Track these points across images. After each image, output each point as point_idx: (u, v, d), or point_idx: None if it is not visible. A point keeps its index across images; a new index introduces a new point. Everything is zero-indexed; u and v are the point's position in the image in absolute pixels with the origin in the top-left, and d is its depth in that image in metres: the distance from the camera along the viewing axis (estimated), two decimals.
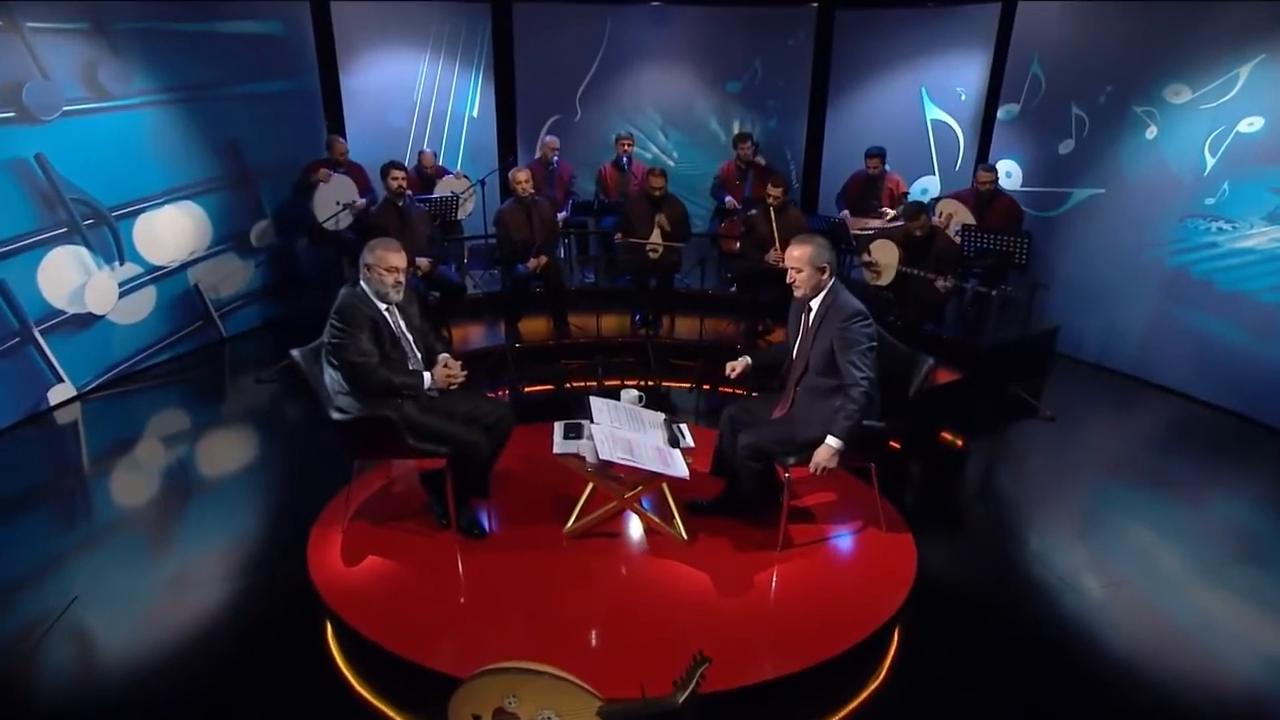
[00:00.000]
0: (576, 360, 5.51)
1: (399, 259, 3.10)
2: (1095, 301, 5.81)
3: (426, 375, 3.15)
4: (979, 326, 5.60)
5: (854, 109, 7.61)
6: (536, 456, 3.65)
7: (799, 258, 3.06)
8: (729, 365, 3.37)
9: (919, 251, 5.02)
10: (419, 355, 3.25)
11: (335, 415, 3.06)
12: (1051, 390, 5.41)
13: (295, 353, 3.13)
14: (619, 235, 5.69)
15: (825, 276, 3.07)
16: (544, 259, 5.36)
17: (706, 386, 5.26)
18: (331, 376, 3.08)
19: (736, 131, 7.45)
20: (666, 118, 7.91)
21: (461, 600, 2.90)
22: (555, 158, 6.53)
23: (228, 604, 3.04)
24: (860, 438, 3.03)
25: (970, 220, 5.64)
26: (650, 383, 5.18)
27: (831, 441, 2.99)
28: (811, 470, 3.02)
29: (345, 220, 5.82)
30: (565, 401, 4.99)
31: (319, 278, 6.40)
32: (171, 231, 5.60)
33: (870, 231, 5.89)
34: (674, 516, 3.30)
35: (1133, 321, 5.63)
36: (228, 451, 4.44)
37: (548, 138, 6.64)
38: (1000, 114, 6.43)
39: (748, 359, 3.39)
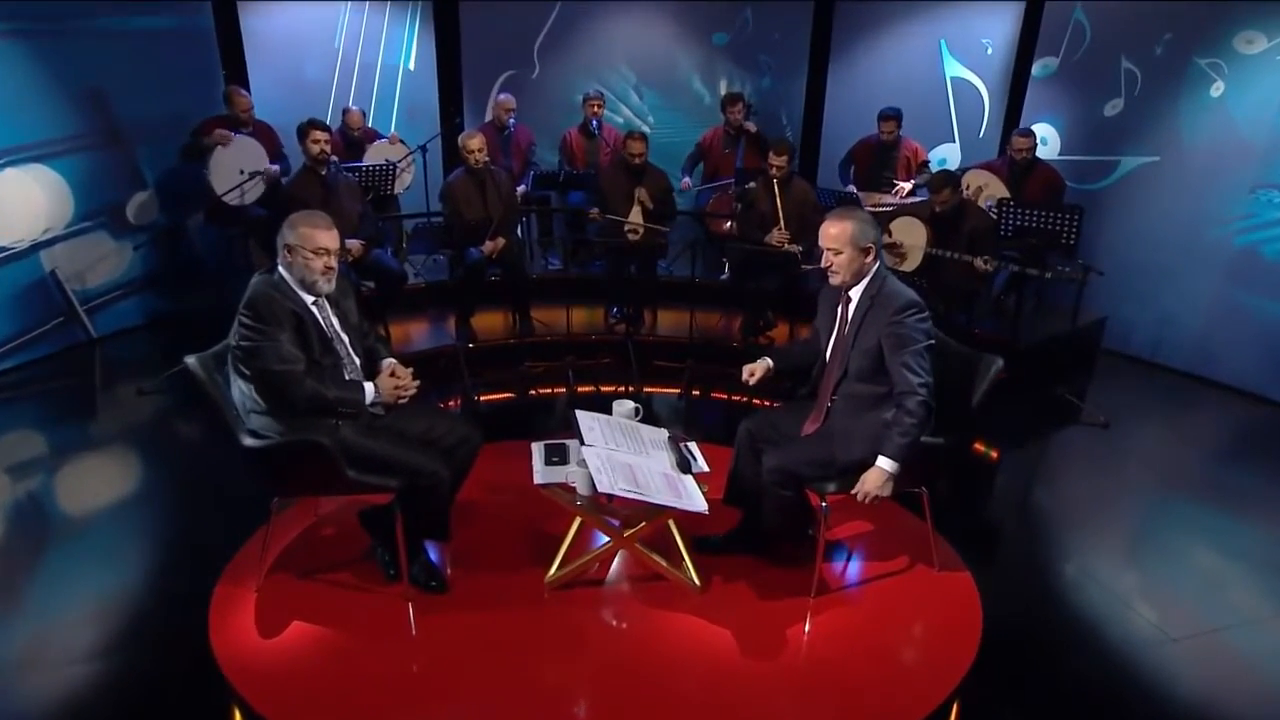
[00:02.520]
0: (542, 362, 5.38)
1: (329, 238, 2.83)
2: (1147, 288, 5.78)
3: (368, 387, 2.89)
4: (1016, 318, 5.45)
5: (861, 66, 7.50)
6: (505, 483, 3.52)
7: (837, 237, 2.90)
8: (746, 369, 3.20)
9: (948, 230, 4.91)
10: (357, 361, 2.98)
11: (248, 441, 2.75)
12: (1097, 391, 5.38)
13: (191, 360, 2.82)
14: (595, 211, 5.53)
15: (869, 259, 2.93)
16: (501, 241, 5.21)
17: (697, 392, 5.14)
18: (242, 390, 2.78)
19: (725, 92, 7.32)
20: (641, 75, 7.72)
21: (415, 670, 2.70)
22: (511, 121, 6.35)
23: (98, 689, 2.68)
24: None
25: (1004, 194, 5.53)
26: (631, 388, 5.08)
27: (884, 464, 2.80)
28: (859, 499, 2.83)
29: (252, 193, 5.54)
30: (530, 411, 4.89)
31: (218, 264, 6.14)
32: (15, 202, 5.18)
33: (890, 208, 5.77)
34: (683, 558, 3.10)
35: (1191, 311, 5.60)
36: (99, 484, 4.04)
37: (501, 96, 6.45)
38: (1035, 69, 6.38)
39: (768, 361, 3.23)
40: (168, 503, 3.85)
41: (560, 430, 4.52)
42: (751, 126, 6.45)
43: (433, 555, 3.12)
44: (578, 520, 3.11)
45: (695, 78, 7.75)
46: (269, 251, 5.91)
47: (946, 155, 7.14)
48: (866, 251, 2.90)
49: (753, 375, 3.17)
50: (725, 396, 5.12)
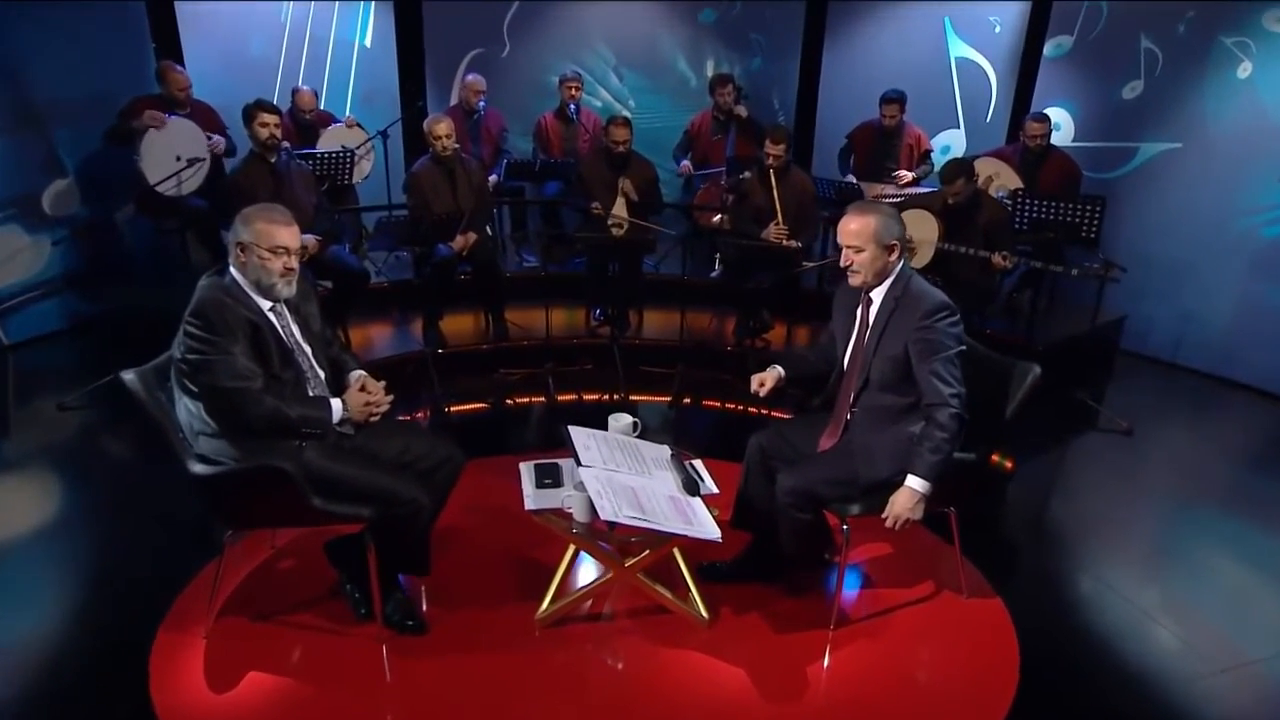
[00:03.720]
0: (518, 369, 5.33)
1: (289, 235, 2.70)
2: (1168, 284, 5.79)
3: (335, 404, 2.75)
4: (1031, 318, 5.48)
5: (859, 46, 7.48)
6: (485, 506, 3.46)
7: (858, 233, 2.83)
8: (755, 380, 3.11)
9: (961, 223, 4.88)
10: (321, 374, 2.85)
11: (196, 468, 2.61)
12: (1116, 395, 5.39)
13: (129, 377, 2.67)
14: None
15: (893, 257, 2.87)
16: (473, 236, 5.13)
17: (688, 400, 5.11)
18: (189, 410, 2.64)
19: (713, 73, 7.30)
20: (621, 56, 7.68)
21: None
22: (481, 104, 6.29)
23: None
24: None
25: (1016, 183, 5.53)
26: (617, 396, 5.04)
27: (914, 484, 2.74)
28: (887, 524, 2.76)
29: (191, 182, 5.37)
30: (506, 423, 4.84)
31: (152, 262, 5.99)
32: None
33: (898, 199, 5.73)
34: (689, 589, 3.02)
35: (1215, 308, 5.62)
36: (14, 514, 3.81)
37: (469, 77, 6.38)
38: (1047, 49, 6.38)
39: (779, 369, 3.13)
40: (97, 535, 3.64)
41: (542, 445, 4.54)
42: (743, 111, 6.41)
43: (409, 591, 3.01)
44: (571, 549, 3.02)
45: (680, 58, 7.72)
46: (209, 247, 5.96)
47: (950, 142, 7.15)
48: (891, 249, 2.84)
49: (763, 385, 3.09)
50: (719, 405, 5.09)
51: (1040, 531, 3.95)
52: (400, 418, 4.43)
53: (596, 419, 4.82)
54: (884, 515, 2.76)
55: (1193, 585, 3.53)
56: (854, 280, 2.90)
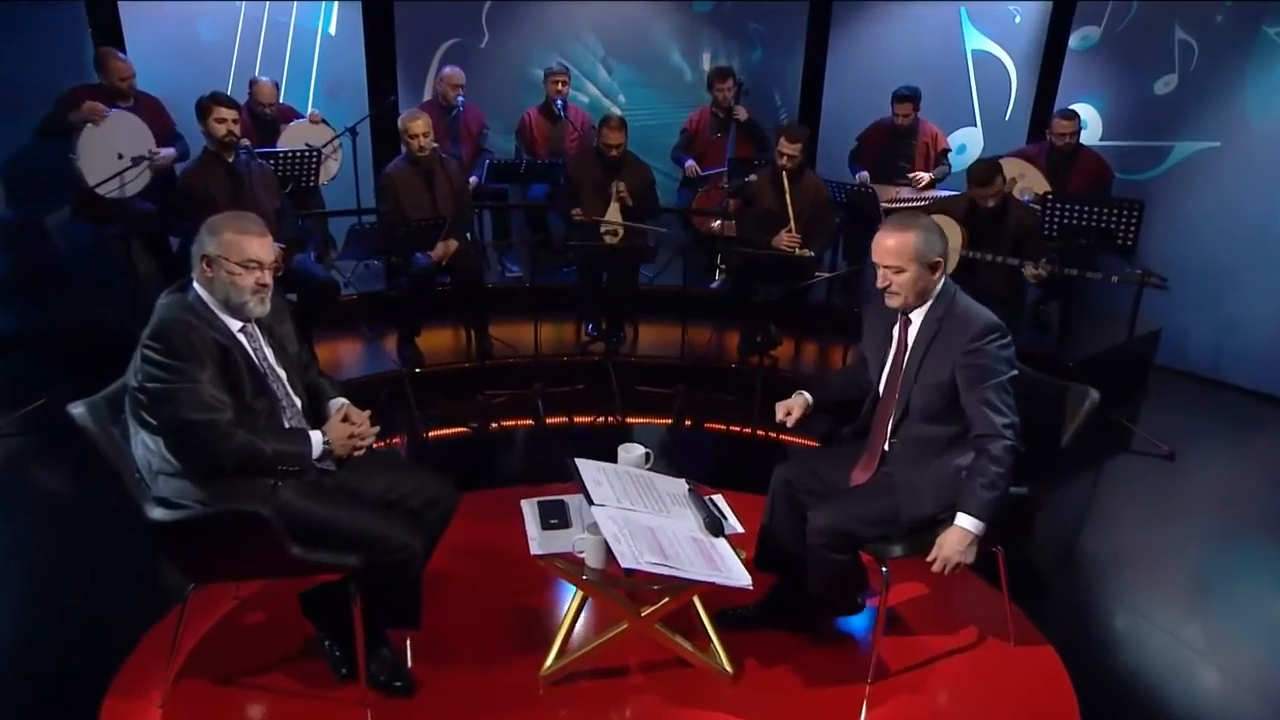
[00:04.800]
0: (503, 390, 5.26)
1: (262, 246, 2.61)
2: (1205, 294, 5.78)
3: (315, 437, 2.65)
4: (1062, 332, 5.45)
5: (867, 37, 7.47)
6: (478, 546, 3.40)
7: (898, 251, 2.77)
8: (781, 407, 3.07)
9: (988, 228, 4.87)
10: (298, 403, 2.76)
11: (156, 513, 2.49)
12: (1151, 414, 5.37)
13: (78, 410, 2.53)
14: (577, 212, 5.48)
15: (936, 276, 2.82)
16: (454, 244, 5.11)
17: (689, 423, 5.08)
18: (148, 446, 2.53)
19: (710, 66, 7.27)
20: (610, 47, 7.64)
21: None
22: (459, 99, 6.24)
23: None
24: None
25: (1042, 185, 5.52)
26: (612, 419, 5.05)
27: (966, 523, 2.66)
28: (936, 568, 2.69)
29: (135, 182, 5.24)
30: (490, 450, 4.82)
31: (90, 271, 5.85)
32: None
33: (908, 203, 5.74)
34: (710, 639, 2.95)
35: (1258, 319, 5.63)
36: None
37: (447, 70, 6.34)
38: (1073, 41, 6.40)
39: (806, 396, 3.10)
40: (32, 584, 3.50)
41: (531, 475, 4.50)
42: (742, 114, 6.40)
43: (397, 649, 2.91)
44: (579, 596, 2.91)
45: (674, 50, 7.69)
46: (155, 255, 5.83)
47: (966, 141, 7.15)
48: (934, 267, 2.79)
49: (790, 414, 3.04)
50: (723, 428, 5.05)
51: (1080, 567, 3.91)
52: (398, 455, 4.45)
53: (590, 443, 4.74)
54: (930, 558, 2.69)
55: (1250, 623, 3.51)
56: (893, 302, 2.84)
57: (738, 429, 4.97)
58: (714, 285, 6.21)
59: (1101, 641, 3.32)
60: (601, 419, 5.02)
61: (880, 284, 2.83)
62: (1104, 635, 3.38)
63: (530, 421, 4.99)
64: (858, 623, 3.18)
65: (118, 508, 2.59)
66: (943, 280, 2.84)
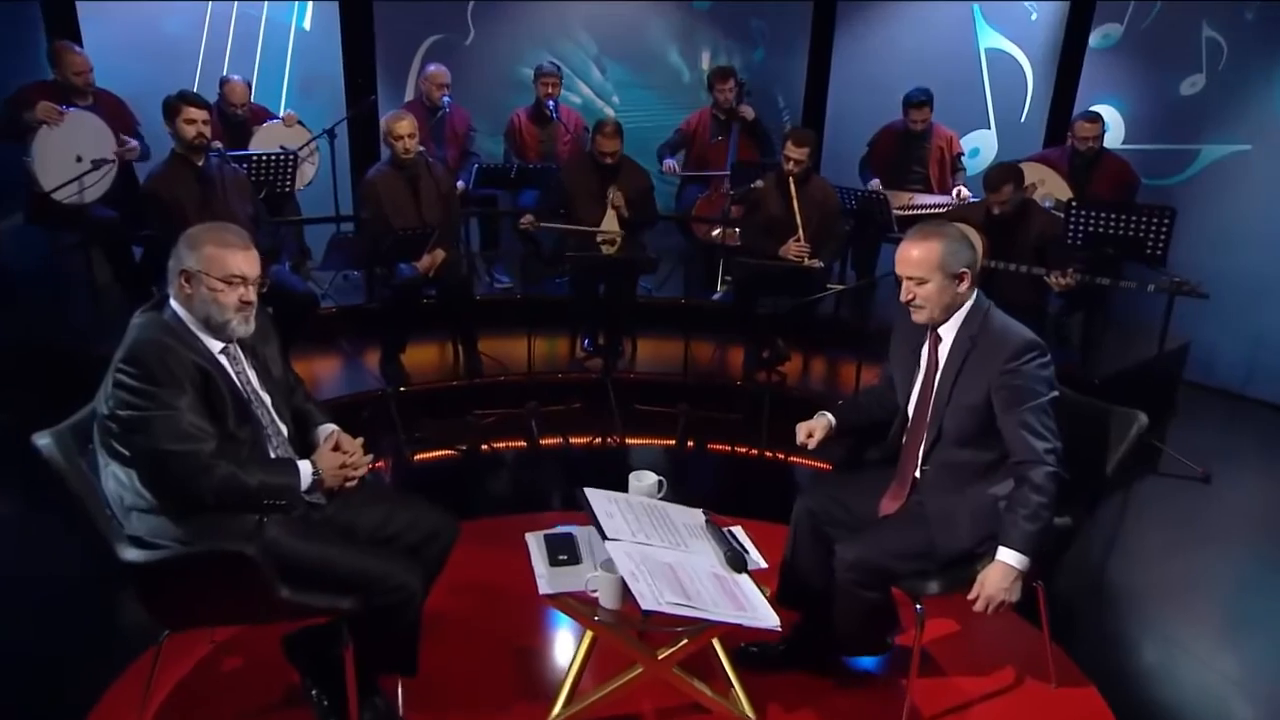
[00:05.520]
0: (494, 410, 5.22)
1: (246, 260, 2.55)
2: (1236, 305, 5.77)
3: (304, 467, 2.59)
4: (1086, 346, 5.45)
5: (874, 36, 7.50)
6: (475, 583, 3.36)
7: (921, 261, 2.76)
8: (803, 429, 3.06)
9: (1008, 236, 4.87)
10: (285, 431, 2.70)
11: (129, 554, 2.41)
12: (1181, 433, 5.34)
13: (44, 441, 2.46)
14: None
15: (964, 287, 2.81)
16: (441, 254, 5.10)
17: (691, 444, 5.06)
18: (120, 480, 2.46)
19: (708, 65, 7.32)
20: (604, 45, 7.67)
21: None
22: (445, 100, 6.22)
23: None
24: None
25: (1064, 191, 5.53)
26: (611, 440, 5.03)
27: (1009, 558, 2.61)
28: (978, 607, 2.64)
29: (96, 189, 5.21)
30: (480, 474, 4.80)
31: (45, 282, 5.83)
32: None
33: (932, 209, 5.75)
34: (730, 683, 2.89)
35: None
36: None
37: (431, 68, 6.33)
38: (1094, 39, 6.42)
39: (829, 417, 3.09)
40: None
41: (524, 501, 4.48)
42: (749, 112, 6.41)
43: (390, 696, 2.83)
44: (588, 637, 2.83)
45: (671, 49, 7.71)
46: (117, 265, 5.78)
47: (980, 144, 7.17)
48: (960, 278, 2.77)
49: (811, 436, 3.03)
50: (727, 449, 5.02)
51: (1116, 598, 3.88)
52: (391, 486, 4.42)
53: (587, 466, 4.78)
54: (971, 595, 2.63)
55: None
56: (918, 317, 2.82)
57: (744, 450, 4.93)
58: (716, 297, 6.19)
59: (1143, 679, 3.29)
60: (599, 440, 5.00)
61: (904, 297, 2.81)
62: (1145, 672, 3.35)
63: (523, 443, 4.96)
64: (887, 663, 3.12)
65: (84, 543, 2.51)
66: (974, 294, 2.82)
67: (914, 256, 2.76)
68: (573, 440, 5.01)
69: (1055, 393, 2.72)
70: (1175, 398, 5.74)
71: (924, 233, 2.81)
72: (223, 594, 2.47)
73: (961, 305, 2.81)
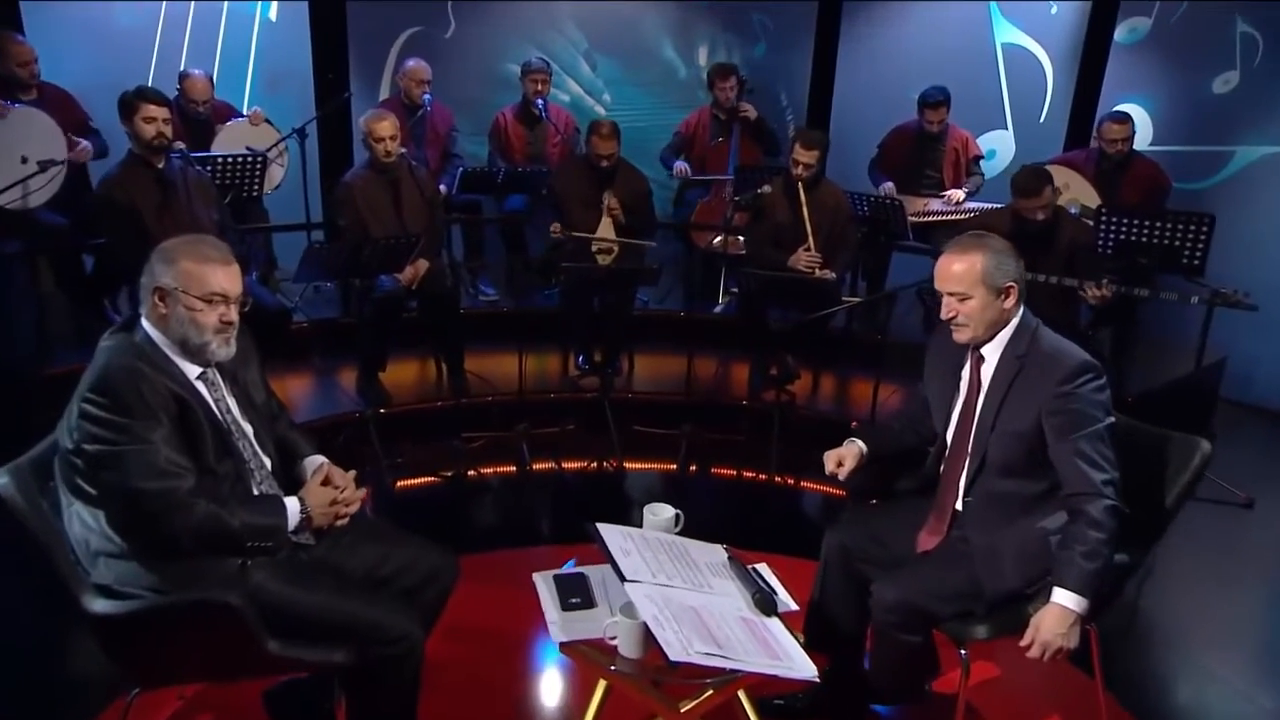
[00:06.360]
0: (482, 433, 5.24)
1: (227, 277, 2.50)
2: (1274, 317, 5.67)
3: (291, 505, 2.54)
4: (1118, 362, 5.41)
5: (883, 30, 7.51)
6: (471, 627, 3.31)
7: (963, 276, 2.75)
8: (832, 458, 3.03)
9: (1037, 245, 4.80)
10: (268, 464, 2.66)
11: (97, 605, 2.34)
12: (1220, 455, 5.18)
13: (1, 480, 2.39)
14: (556, 227, 5.46)
15: (1009, 303, 2.78)
16: (424, 265, 5.09)
17: (695, 469, 5.08)
18: (85, 522, 2.39)
19: (706, 61, 7.34)
20: (594, 39, 7.65)
21: None
22: (426, 97, 6.20)
23: None
24: None
25: (1090, 196, 5.52)
26: (609, 464, 5.05)
27: (1066, 600, 2.56)
28: (1032, 654, 2.59)
29: (43, 192, 5.13)
30: (465, 502, 4.82)
31: None
32: None
33: (952, 215, 5.77)
34: None
35: None
36: None
37: (411, 64, 6.30)
38: (1119, 34, 6.44)
39: (860, 444, 3.05)
40: None
41: (517, 533, 4.46)
42: (751, 111, 6.42)
43: None
44: (602, 686, 2.77)
45: (666, 44, 7.70)
46: (65, 278, 5.71)
47: (996, 146, 7.17)
48: (1005, 293, 2.75)
49: (841, 465, 2.99)
50: (733, 474, 5.03)
51: (1163, 637, 3.84)
52: (385, 523, 4.38)
53: (583, 493, 4.82)
54: (1024, 641, 2.59)
55: None
56: (960, 336, 2.80)
57: (752, 475, 4.94)
58: (717, 309, 6.19)
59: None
60: (595, 465, 5.00)
61: (945, 314, 2.80)
62: (1190, 711, 3.37)
63: (513, 469, 4.96)
64: (923, 712, 3.08)
65: (42, 590, 2.46)
66: (1020, 311, 2.80)
67: (955, 270, 2.75)
68: (566, 465, 5.01)
69: (1112, 418, 2.69)
70: (1212, 417, 5.67)
71: (965, 244, 2.80)
72: (202, 648, 2.41)
73: (1007, 322, 2.79)
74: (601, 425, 5.11)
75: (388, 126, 4.98)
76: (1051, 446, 2.67)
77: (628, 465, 5.02)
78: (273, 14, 7.03)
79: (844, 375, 5.79)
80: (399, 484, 4.77)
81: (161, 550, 2.37)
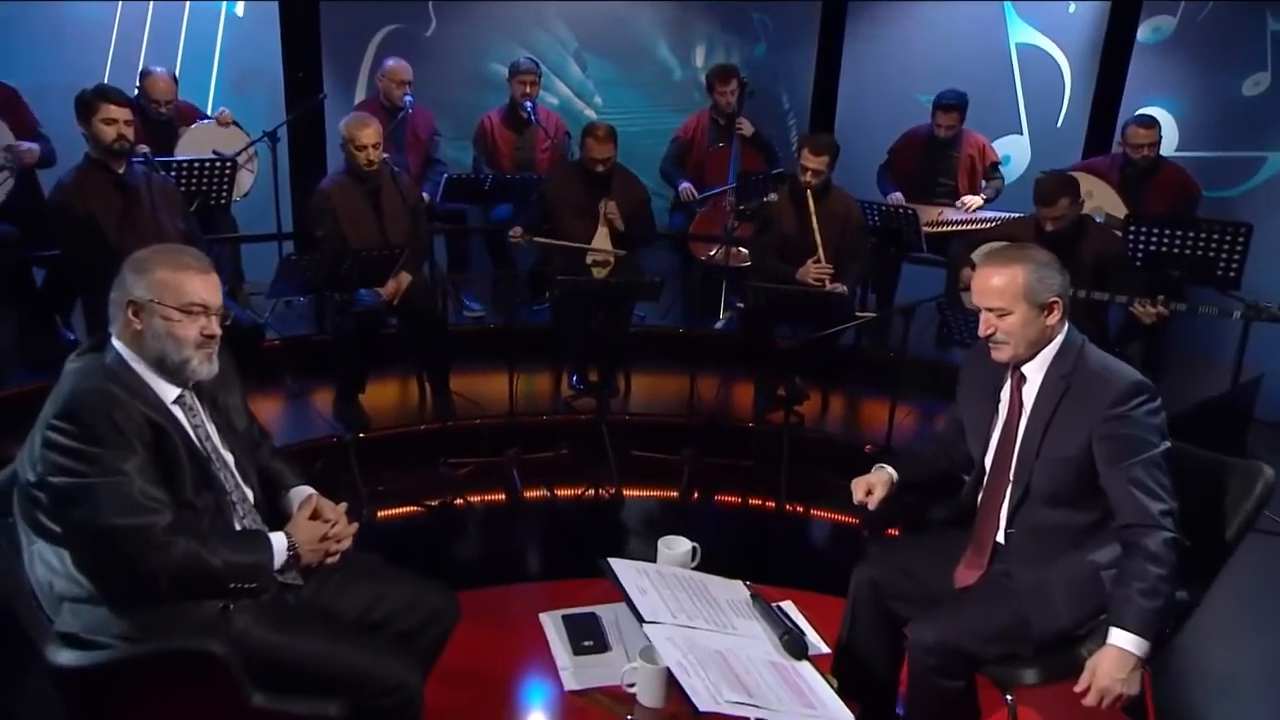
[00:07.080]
0: (469, 459, 5.23)
1: (206, 286, 2.45)
2: None
3: (276, 541, 2.47)
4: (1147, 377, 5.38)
5: (889, 29, 7.55)
6: (468, 669, 3.21)
7: (1004, 290, 2.73)
8: (860, 486, 3.00)
9: (1062, 257, 4.66)
10: (250, 496, 2.60)
11: (61, 657, 2.28)
12: None
13: None
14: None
15: (1053, 319, 2.76)
16: (407, 278, 5.11)
17: (697, 495, 5.08)
18: (49, 564, 2.33)
19: (702, 61, 7.41)
20: (584, 38, 7.71)
21: None
22: (407, 99, 6.19)
23: None
24: None
25: (1116, 205, 5.53)
26: (606, 491, 5.04)
27: (1124, 641, 2.51)
28: (1091, 699, 2.54)
29: None
30: (451, 532, 4.83)
31: None
32: None
33: (973, 225, 5.77)
34: None
35: None
36: None
37: (391, 63, 6.29)
38: (1142, 33, 6.46)
39: (890, 471, 3.02)
40: None
41: (508, 568, 4.43)
42: (748, 128, 6.44)
43: None
44: None
45: (660, 43, 7.73)
46: (12, 290, 5.66)
47: (1011, 151, 7.20)
48: (1048, 309, 2.73)
49: (871, 494, 2.96)
50: (739, 501, 5.03)
51: (1199, 677, 3.80)
52: (379, 560, 4.38)
53: (578, 522, 4.80)
54: (1080, 686, 2.54)
55: None
56: (1000, 354, 2.77)
57: (759, 502, 4.93)
58: (719, 325, 6.19)
59: None
60: (591, 492, 4.99)
61: (983, 331, 2.77)
62: None
63: (503, 496, 4.94)
64: None
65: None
66: (1065, 327, 2.78)
67: (994, 285, 2.72)
68: (560, 493, 5.01)
69: (1168, 443, 2.66)
70: (1246, 438, 5.69)
71: (1004, 257, 2.78)
72: (180, 703, 2.35)
73: (1051, 340, 2.77)
74: (598, 450, 5.10)
75: (371, 134, 4.96)
76: (1103, 474, 2.63)
77: (626, 492, 5.00)
78: (239, 9, 7.04)
79: (854, 395, 5.79)
80: (380, 514, 4.75)
81: (135, 594, 2.30)
